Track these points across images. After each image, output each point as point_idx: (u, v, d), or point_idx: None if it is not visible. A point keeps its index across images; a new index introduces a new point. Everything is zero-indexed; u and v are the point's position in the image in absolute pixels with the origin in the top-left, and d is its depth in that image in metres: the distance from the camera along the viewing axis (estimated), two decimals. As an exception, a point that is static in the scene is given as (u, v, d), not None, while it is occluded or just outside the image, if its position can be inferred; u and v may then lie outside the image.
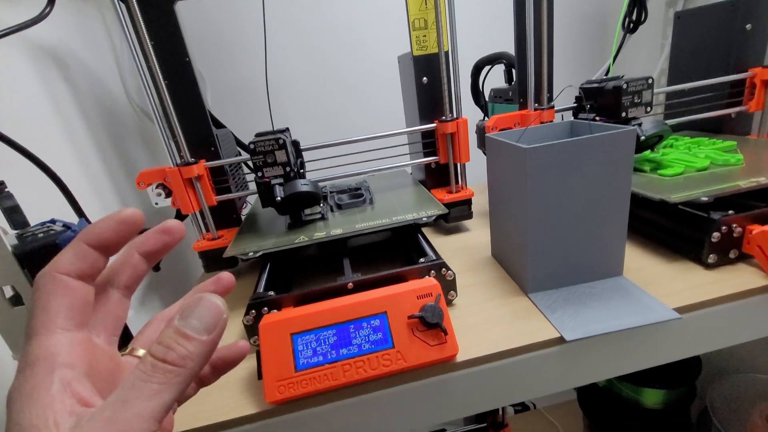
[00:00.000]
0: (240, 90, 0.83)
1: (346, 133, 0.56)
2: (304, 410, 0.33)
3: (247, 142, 0.68)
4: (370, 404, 0.34)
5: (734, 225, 0.40)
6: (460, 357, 0.34)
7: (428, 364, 0.33)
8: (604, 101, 0.52)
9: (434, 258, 0.41)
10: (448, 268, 0.40)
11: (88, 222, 0.41)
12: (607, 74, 0.56)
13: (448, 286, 0.41)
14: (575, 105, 0.56)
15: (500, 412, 0.79)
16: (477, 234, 0.58)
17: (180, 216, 0.57)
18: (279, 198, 0.47)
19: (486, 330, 0.37)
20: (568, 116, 0.58)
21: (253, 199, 0.68)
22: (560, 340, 0.35)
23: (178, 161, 0.52)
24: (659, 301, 0.37)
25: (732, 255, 0.41)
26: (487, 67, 0.66)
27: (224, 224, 0.58)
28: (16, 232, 0.27)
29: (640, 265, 0.44)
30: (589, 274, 0.42)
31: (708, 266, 0.41)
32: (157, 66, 0.48)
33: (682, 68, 0.67)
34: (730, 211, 0.40)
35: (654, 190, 0.45)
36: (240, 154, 0.68)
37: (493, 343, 0.35)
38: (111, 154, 0.59)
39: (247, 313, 0.38)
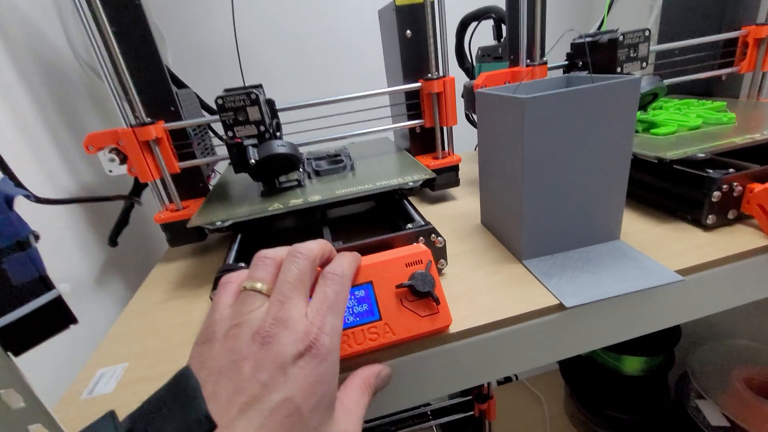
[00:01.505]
0: (205, 51, 0.76)
1: (323, 97, 0.51)
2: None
3: (211, 105, 0.63)
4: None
5: (735, 183, 0.38)
6: (454, 328, 0.31)
7: (419, 336, 0.30)
8: (598, 56, 0.48)
9: (423, 223, 0.38)
10: (438, 234, 0.37)
11: (13, 179, 0.35)
12: (599, 29, 0.52)
13: (438, 253, 0.38)
14: (566, 62, 0.53)
15: (486, 384, 0.79)
16: (464, 202, 0.55)
17: (138, 185, 0.51)
18: (253, 160, 0.42)
19: (480, 299, 0.34)
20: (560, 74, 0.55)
21: (222, 169, 0.63)
22: (559, 307, 0.32)
23: (132, 122, 0.46)
24: (659, 263, 0.35)
25: (731, 215, 0.39)
26: (473, 24, 0.62)
27: (190, 194, 0.53)
28: None
29: (637, 228, 0.42)
30: (586, 239, 0.39)
31: (706, 227, 0.39)
32: (101, 9, 0.41)
33: (673, 27, 0.65)
34: (731, 170, 0.38)
35: (649, 148, 0.43)
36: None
37: (488, 313, 0.32)
38: (55, 116, 0.52)
39: (215, 287, 0.34)
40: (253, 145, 0.43)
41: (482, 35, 0.64)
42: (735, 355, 0.73)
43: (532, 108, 0.33)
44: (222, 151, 0.64)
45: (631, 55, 0.46)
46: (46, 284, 0.24)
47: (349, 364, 0.30)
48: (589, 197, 0.37)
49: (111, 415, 0.20)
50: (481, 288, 0.36)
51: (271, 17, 0.78)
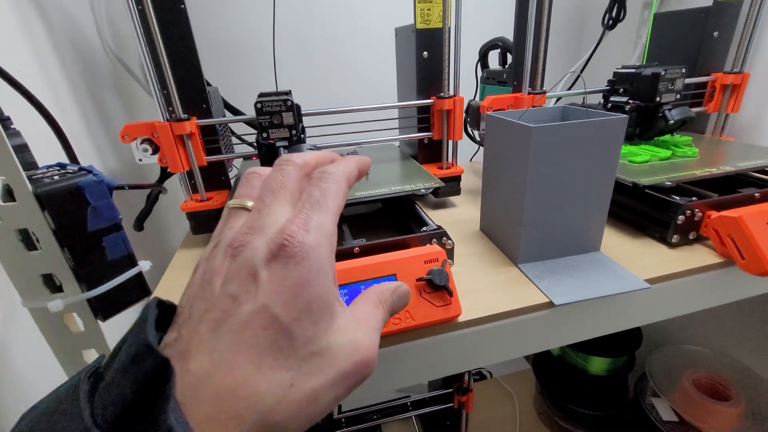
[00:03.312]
0: (226, 50, 0.79)
1: (335, 104, 0.56)
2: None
3: (232, 104, 0.67)
4: (385, 359, 0.36)
5: (696, 210, 0.45)
6: (462, 318, 0.37)
7: (434, 323, 0.35)
8: (639, 86, 0.56)
9: (435, 227, 0.43)
10: (448, 237, 0.43)
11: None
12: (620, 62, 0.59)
13: (447, 254, 0.43)
14: (608, 88, 0.60)
15: (466, 378, 0.85)
16: (464, 210, 0.61)
17: (165, 174, 0.54)
18: None
19: (482, 295, 0.40)
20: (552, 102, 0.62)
21: (239, 163, 0.66)
22: (549, 305, 0.38)
23: (168, 116, 0.49)
24: (632, 273, 0.42)
25: (691, 236, 0.46)
26: (478, 50, 0.68)
27: (213, 186, 0.57)
28: (24, 173, 0.26)
29: (614, 242, 0.49)
30: (572, 249, 0.46)
31: (671, 245, 0.46)
32: (151, 8, 0.45)
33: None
34: (694, 198, 0.46)
35: (626, 174, 0.50)
36: (225, 116, 0.65)
37: (490, 306, 0.38)
38: (88, 105, 0.54)
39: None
40: (284, 147, 0.47)
41: (488, 60, 0.70)
42: (687, 359, 0.82)
43: (538, 135, 0.39)
44: (238, 148, 0.68)
45: (669, 87, 0.54)
46: (131, 261, 0.28)
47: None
48: (577, 213, 0.43)
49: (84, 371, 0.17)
50: (483, 286, 0.42)
51: (287, 21, 0.82)
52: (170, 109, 0.49)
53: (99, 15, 0.59)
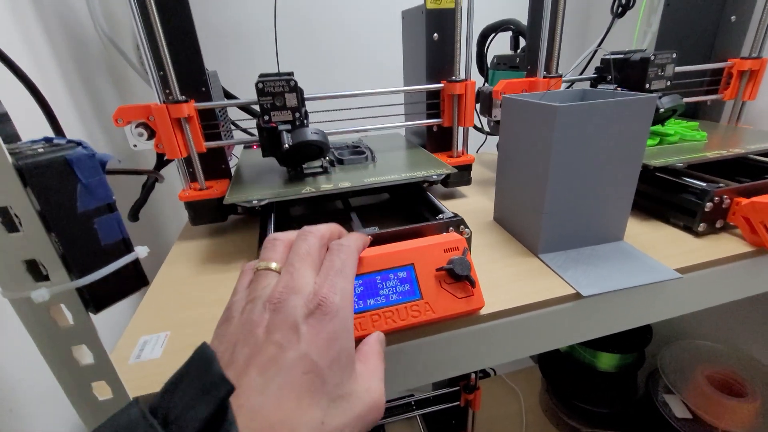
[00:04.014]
0: (224, 35, 0.76)
1: (338, 89, 0.53)
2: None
3: (230, 90, 0.63)
4: (397, 355, 0.33)
5: (725, 196, 0.43)
6: (484, 310, 0.34)
7: (456, 315, 0.33)
8: (628, 72, 0.53)
9: (452, 215, 0.41)
10: (466, 225, 0.40)
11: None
12: (598, 46, 0.57)
13: (464, 243, 0.41)
14: (595, 75, 0.57)
15: (473, 375, 0.83)
16: (475, 200, 0.59)
17: (162, 161, 0.51)
18: (287, 146, 0.43)
19: (503, 287, 0.38)
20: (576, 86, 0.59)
21: (239, 152, 0.63)
22: (576, 296, 0.36)
23: (165, 98, 0.46)
24: (660, 262, 0.39)
25: (718, 224, 0.44)
26: (492, 34, 0.65)
27: (212, 175, 0.54)
28: (5, 146, 0.23)
29: (636, 231, 0.46)
30: (595, 238, 0.43)
31: (697, 234, 0.44)
32: (146, -17, 0.41)
33: (667, 54, 0.70)
34: (722, 184, 0.44)
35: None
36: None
37: (513, 298, 0.36)
38: (78, 88, 0.51)
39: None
40: (287, 131, 0.44)
41: (496, 44, 0.67)
42: (700, 355, 0.80)
43: (563, 116, 0.36)
44: (237, 135, 0.65)
45: (659, 73, 0.51)
46: (127, 246, 0.25)
47: (395, 337, 0.33)
48: (601, 200, 0.41)
49: (135, 401, 0.20)
50: (502, 277, 0.39)
51: (286, 4, 0.79)
52: (167, 91, 0.46)
53: (90, -6, 0.56)
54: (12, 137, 0.23)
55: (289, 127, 0.45)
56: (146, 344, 0.33)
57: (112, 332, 0.39)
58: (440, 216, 0.40)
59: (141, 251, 0.26)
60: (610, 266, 0.39)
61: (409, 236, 0.38)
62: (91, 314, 0.25)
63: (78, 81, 0.51)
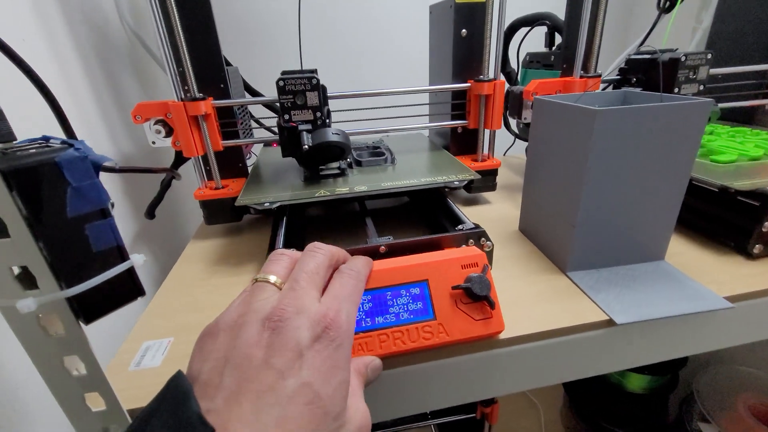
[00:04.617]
0: (248, 29, 0.75)
1: (363, 87, 0.51)
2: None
3: (253, 86, 0.62)
4: (403, 378, 0.31)
5: (787, 216, 0.38)
6: (504, 334, 0.31)
7: (472, 339, 0.30)
8: (655, 74, 0.48)
9: (472, 225, 0.38)
10: (487, 238, 0.37)
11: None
12: (639, 45, 0.52)
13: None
14: (618, 77, 0.52)
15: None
16: (499, 207, 0.55)
17: (180, 159, 0.51)
18: (307, 146, 0.42)
19: (527, 307, 0.35)
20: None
21: (258, 150, 0.62)
22: (609, 323, 0.32)
23: (183, 96, 0.45)
24: (707, 288, 0.35)
25: (777, 247, 0.39)
26: (524, 29, 0.61)
27: (229, 173, 0.53)
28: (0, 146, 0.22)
29: (679, 249, 0.42)
30: (632, 256, 0.39)
31: (752, 256, 0.39)
32: (165, -22, 0.40)
33: (720, 53, 0.64)
34: (782, 201, 0.39)
35: (709, 175, 0.42)
36: (245, 98, 0.61)
37: (536, 322, 0.33)
38: (101, 83, 0.51)
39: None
40: (308, 131, 0.43)
41: (529, 41, 0.63)
42: (740, 382, 0.73)
43: (603, 120, 0.32)
44: (258, 133, 0.64)
45: (691, 76, 0.46)
46: (121, 254, 0.24)
47: (404, 359, 0.30)
48: (642, 215, 0.37)
49: None
50: (526, 297, 0.36)
51: (313, 2, 0.77)
52: (185, 88, 0.45)
53: (116, -12, 0.56)
54: (5, 136, 0.22)
55: (309, 126, 0.43)
56: (148, 350, 0.32)
57: (123, 330, 0.39)
58: (460, 227, 0.37)
59: (137, 259, 0.25)
60: (648, 290, 0.36)
61: (425, 248, 0.36)
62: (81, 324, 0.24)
63: (101, 75, 0.51)
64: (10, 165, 0.19)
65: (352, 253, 0.35)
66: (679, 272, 0.38)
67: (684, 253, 0.41)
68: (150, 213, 0.50)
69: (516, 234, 0.48)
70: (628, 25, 0.97)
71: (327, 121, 0.48)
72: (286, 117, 0.42)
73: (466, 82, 0.53)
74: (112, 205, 0.25)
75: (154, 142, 0.47)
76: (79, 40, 0.48)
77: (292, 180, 0.47)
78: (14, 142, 0.22)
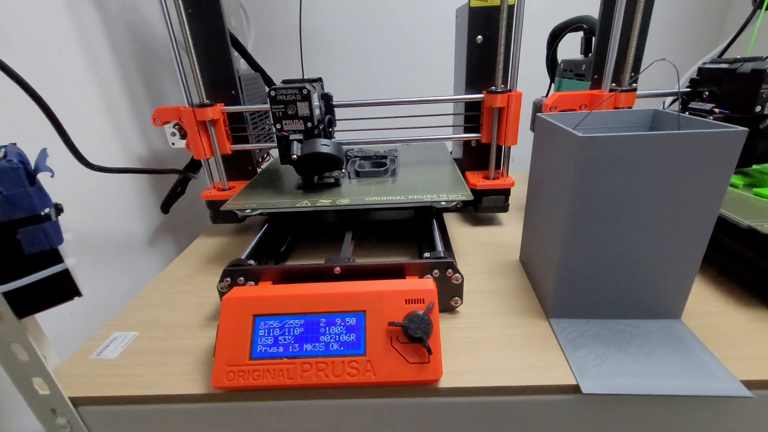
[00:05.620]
0: (289, 35, 0.77)
1: (391, 95, 0.50)
2: (254, 401, 0.29)
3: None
4: (330, 411, 0.29)
5: None
6: (445, 382, 0.28)
7: (401, 383, 0.27)
8: (732, 88, 0.39)
9: (441, 255, 0.34)
10: (455, 270, 0.34)
11: (71, 147, 0.38)
12: (722, 51, 0.42)
13: (453, 290, 0.34)
14: (688, 89, 0.44)
15: None
16: (510, 230, 0.50)
17: (195, 160, 0.54)
18: (295, 156, 0.42)
19: (486, 353, 0.31)
20: (653, 104, 0.46)
21: (276, 153, 0.64)
22: (574, 389, 0.27)
23: (194, 101, 0.48)
24: (724, 365, 0.28)
25: None
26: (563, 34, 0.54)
27: (238, 176, 0.55)
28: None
29: (707, 307, 0.34)
30: (636, 310, 0.33)
31: (805, 330, 0.30)
32: (178, -9, 0.43)
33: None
34: None
35: (744, 212, 0.34)
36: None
37: (489, 373, 0.29)
38: (137, 85, 0.57)
39: (221, 280, 0.34)
40: (298, 140, 0.43)
41: (573, 47, 0.56)
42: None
43: (587, 148, 0.27)
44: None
45: None
46: (56, 257, 0.26)
47: (322, 393, 0.29)
48: (651, 262, 0.31)
49: None
50: (493, 339, 0.32)
51: (350, 7, 0.77)
52: (197, 94, 0.48)
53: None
54: (-31, 145, 0.25)
55: (300, 136, 0.43)
56: (113, 341, 0.35)
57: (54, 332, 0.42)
58: (426, 254, 0.34)
59: (70, 262, 0.26)
60: (643, 355, 0.29)
61: (384, 273, 0.34)
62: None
63: (138, 80, 0.57)
64: (-62, 175, 0.21)
65: (304, 271, 0.34)
66: (693, 336, 0.31)
67: (713, 314, 0.34)
68: (165, 208, 0.54)
69: (515, 265, 0.43)
70: (722, 26, 0.82)
71: (330, 130, 0.48)
72: (278, 126, 0.42)
73: (481, 93, 0.48)
74: (60, 210, 0.27)
75: (173, 144, 0.51)
76: (118, 46, 0.53)
77: (289, 186, 0.48)
78: (-21, 150, 0.25)
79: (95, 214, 0.48)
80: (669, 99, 0.54)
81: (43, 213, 0.25)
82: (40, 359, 0.27)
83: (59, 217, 0.26)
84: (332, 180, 0.48)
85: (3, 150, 0.24)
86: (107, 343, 0.35)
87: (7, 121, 0.38)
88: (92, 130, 0.49)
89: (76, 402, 0.29)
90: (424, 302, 0.29)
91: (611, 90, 0.42)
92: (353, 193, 0.44)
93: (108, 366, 0.32)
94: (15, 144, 0.27)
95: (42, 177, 0.25)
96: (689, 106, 0.43)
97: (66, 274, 0.26)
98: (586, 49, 0.50)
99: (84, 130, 0.46)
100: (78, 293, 0.27)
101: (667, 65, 0.34)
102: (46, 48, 0.43)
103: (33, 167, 0.25)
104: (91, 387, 0.30)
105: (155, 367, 0.31)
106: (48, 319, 0.29)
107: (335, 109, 0.50)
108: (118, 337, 0.35)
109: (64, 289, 0.27)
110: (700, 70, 0.44)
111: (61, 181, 0.40)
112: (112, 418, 0.30)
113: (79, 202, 0.46)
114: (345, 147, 0.59)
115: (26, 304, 0.25)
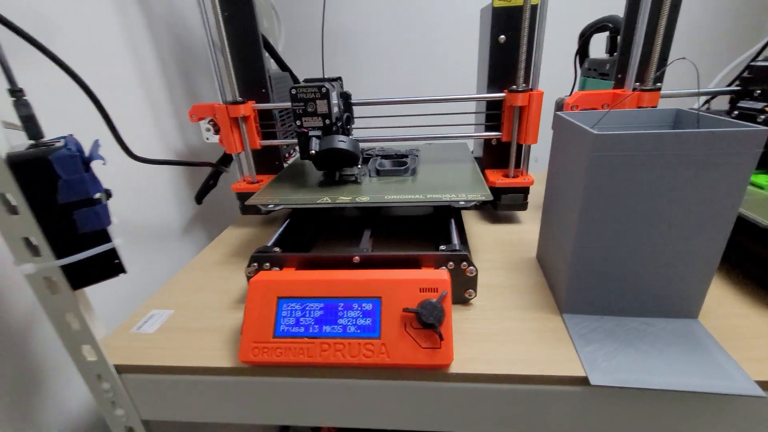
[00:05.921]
0: (317, 35, 0.80)
1: (416, 93, 0.51)
2: (276, 377, 0.31)
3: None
4: (346, 389, 0.31)
5: None
6: (455, 368, 0.29)
7: (413, 366, 0.29)
8: None
9: (457, 248, 0.36)
10: (470, 263, 0.35)
11: (118, 139, 0.41)
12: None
13: (467, 283, 0.36)
14: (738, 88, 0.43)
15: None
16: (529, 228, 0.51)
17: (227, 155, 0.58)
18: (314, 151, 0.44)
19: (497, 344, 0.32)
20: (676, 104, 0.45)
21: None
22: (583, 381, 0.28)
23: (228, 98, 0.51)
24: (740, 366, 0.28)
25: None
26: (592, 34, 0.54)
27: (267, 170, 0.58)
28: (30, 142, 0.28)
29: (726, 309, 0.34)
30: (652, 308, 0.33)
31: (831, 335, 0.30)
32: (217, -5, 0.46)
33: None
34: None
35: (766, 212, 0.34)
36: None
37: (498, 362, 0.30)
38: (177, 83, 0.60)
39: (249, 265, 0.37)
40: (317, 137, 0.45)
41: (596, 45, 0.56)
42: None
43: (602, 145, 0.28)
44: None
45: None
46: (105, 237, 0.29)
47: (348, 372, 0.30)
48: (668, 261, 0.31)
49: None
50: (504, 332, 0.33)
51: (377, 7, 0.79)
52: (231, 91, 0.51)
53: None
54: (35, 135, 0.28)
55: (319, 133, 0.45)
56: (152, 318, 0.38)
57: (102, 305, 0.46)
58: (442, 247, 0.36)
59: (117, 242, 0.29)
60: (656, 352, 0.30)
61: (401, 264, 0.35)
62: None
63: (177, 79, 0.61)
64: (13, 159, 0.25)
65: (325, 260, 0.36)
66: (710, 336, 0.30)
67: (734, 315, 0.33)
68: (198, 199, 0.58)
69: (531, 262, 0.43)
70: (759, 24, 0.78)
71: (348, 127, 0.50)
72: (298, 123, 0.44)
73: (503, 92, 0.49)
74: (109, 195, 0.30)
75: (207, 138, 0.54)
76: (160, 47, 0.57)
77: (311, 182, 0.50)
78: (43, 139, 0.29)
79: (137, 203, 0.52)
80: (702, 99, 0.53)
81: (95, 197, 0.28)
82: (89, 328, 0.30)
83: (108, 201, 0.29)
84: (353, 178, 0.50)
85: (63, 140, 0.28)
86: (146, 320, 0.38)
87: (65, 115, 0.42)
88: (136, 125, 0.53)
89: (119, 369, 0.33)
90: (437, 291, 0.30)
91: (634, 89, 0.42)
92: (373, 191, 0.45)
93: (146, 339, 0.35)
94: (72, 135, 0.30)
95: (95, 165, 0.28)
96: (738, 104, 0.42)
97: (113, 253, 0.29)
98: (611, 48, 0.50)
99: (129, 125, 0.50)
100: (123, 270, 0.30)
101: (700, 64, 0.34)
102: (99, 49, 0.47)
103: (87, 156, 0.28)
104: (132, 357, 0.33)
105: (188, 342, 0.34)
106: (96, 296, 0.32)
107: (355, 107, 0.52)
108: (156, 314, 0.39)
109: (111, 265, 0.30)
110: (750, 67, 0.43)
111: (109, 170, 0.44)
112: (149, 385, 0.33)
113: (124, 191, 0.50)
114: (367, 145, 0.61)
115: (79, 277, 0.29)
